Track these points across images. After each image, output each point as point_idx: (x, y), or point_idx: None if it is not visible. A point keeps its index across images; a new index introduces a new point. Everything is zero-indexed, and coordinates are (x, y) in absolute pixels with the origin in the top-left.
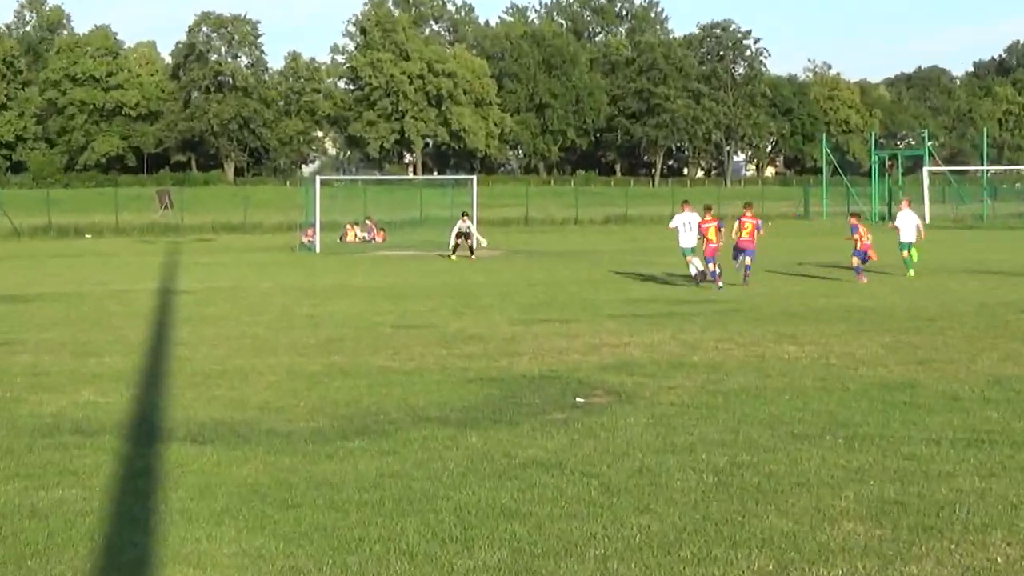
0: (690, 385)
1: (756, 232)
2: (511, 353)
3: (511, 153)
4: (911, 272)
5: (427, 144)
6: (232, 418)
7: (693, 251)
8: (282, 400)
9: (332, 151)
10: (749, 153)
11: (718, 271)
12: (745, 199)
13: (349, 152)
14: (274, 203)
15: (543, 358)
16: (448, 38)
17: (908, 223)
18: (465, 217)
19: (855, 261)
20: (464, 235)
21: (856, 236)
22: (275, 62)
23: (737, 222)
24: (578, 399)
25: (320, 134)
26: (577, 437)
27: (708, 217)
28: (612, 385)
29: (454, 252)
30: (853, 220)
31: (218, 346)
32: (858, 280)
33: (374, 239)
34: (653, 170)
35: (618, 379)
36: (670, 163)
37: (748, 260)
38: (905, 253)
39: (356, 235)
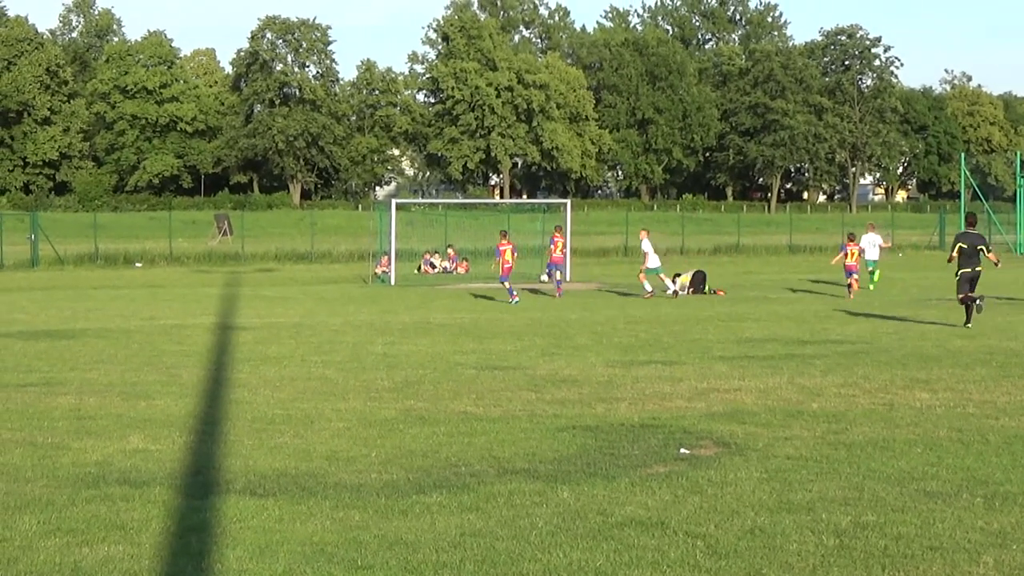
0: (809, 436)
1: (565, 250)
2: (608, 399)
3: (609, 175)
4: (872, 287)
5: (516, 164)
6: (296, 469)
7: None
8: (352, 449)
9: (409, 171)
10: (877, 175)
11: (515, 291)
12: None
13: (428, 173)
14: (344, 229)
15: (644, 404)
16: (540, 46)
17: (871, 245)
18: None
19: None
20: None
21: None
22: (347, 72)
23: (552, 242)
24: (683, 450)
25: (396, 152)
26: (681, 493)
27: (504, 241)
28: (721, 435)
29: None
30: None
31: (281, 388)
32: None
33: (456, 270)
34: (769, 194)
35: (728, 428)
36: (788, 186)
37: (559, 275)
38: (868, 270)
39: (436, 265)
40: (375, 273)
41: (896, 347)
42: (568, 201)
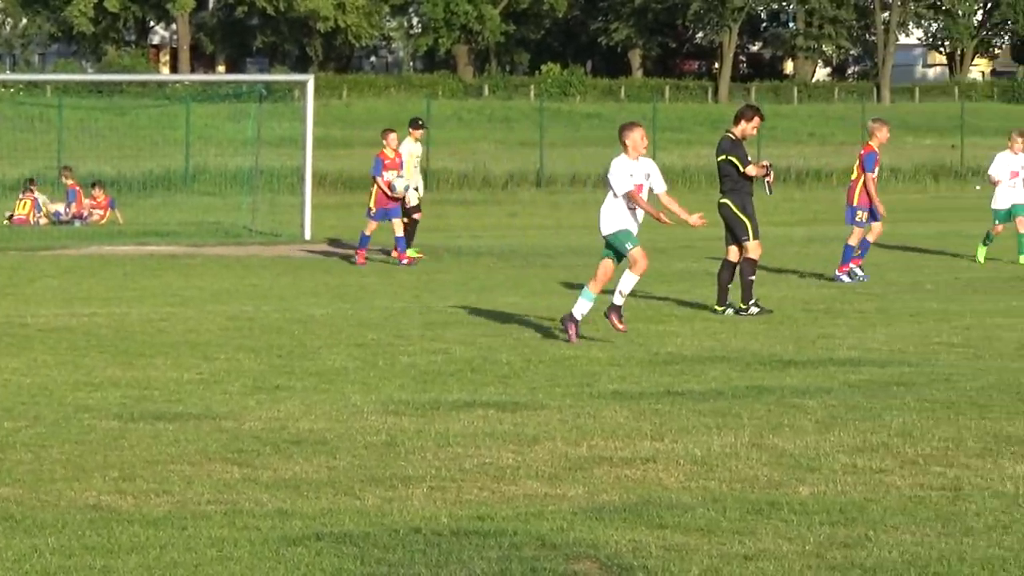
0: (792, 551)
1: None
2: (386, 479)
3: (394, 25)
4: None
5: (204, 4)
6: None
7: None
8: None
9: None
10: (934, 29)
11: None
12: None
13: (24, 22)
14: None
15: (460, 489)
16: None
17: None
18: None
19: None
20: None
21: None
22: None
23: None
24: None
25: None
26: None
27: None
28: (618, 551)
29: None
30: None
31: None
32: None
33: (80, 216)
34: (714, 67)
35: (630, 538)
36: (753, 49)
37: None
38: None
39: (39, 208)
40: None
41: (967, 372)
42: (311, 77)
